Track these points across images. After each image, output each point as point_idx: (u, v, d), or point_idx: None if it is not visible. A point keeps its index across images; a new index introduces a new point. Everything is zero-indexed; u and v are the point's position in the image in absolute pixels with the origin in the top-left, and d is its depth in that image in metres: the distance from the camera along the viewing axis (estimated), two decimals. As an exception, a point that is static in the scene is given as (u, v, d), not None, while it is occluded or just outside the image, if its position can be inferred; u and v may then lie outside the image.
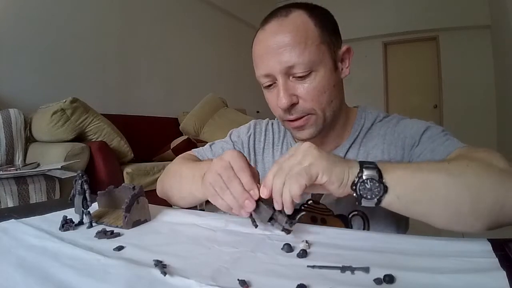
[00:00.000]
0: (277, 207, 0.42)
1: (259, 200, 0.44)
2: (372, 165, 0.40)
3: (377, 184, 0.39)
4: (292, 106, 0.56)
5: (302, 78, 0.54)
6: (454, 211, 0.39)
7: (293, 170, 0.41)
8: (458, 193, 0.39)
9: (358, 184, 0.40)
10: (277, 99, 0.56)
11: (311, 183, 0.40)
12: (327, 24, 0.57)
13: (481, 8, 4.55)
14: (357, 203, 0.40)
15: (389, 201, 0.40)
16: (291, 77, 0.55)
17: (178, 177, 0.64)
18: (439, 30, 4.96)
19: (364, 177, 0.40)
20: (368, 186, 0.39)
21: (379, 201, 0.40)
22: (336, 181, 0.40)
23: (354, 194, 0.40)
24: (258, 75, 0.58)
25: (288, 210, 0.42)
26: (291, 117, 0.57)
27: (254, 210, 0.44)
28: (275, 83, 0.57)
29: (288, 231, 0.44)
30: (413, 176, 0.41)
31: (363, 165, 0.41)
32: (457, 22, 4.77)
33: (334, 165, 0.41)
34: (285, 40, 0.53)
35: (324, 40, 0.55)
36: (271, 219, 0.44)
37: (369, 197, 0.40)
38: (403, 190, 0.40)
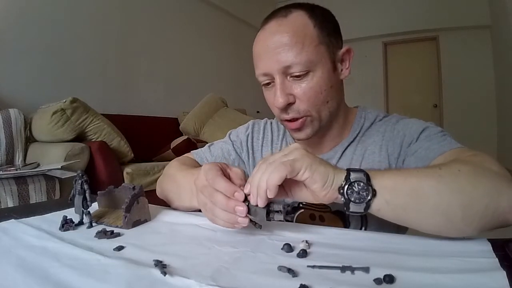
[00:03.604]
0: (252, 201, 0.41)
1: (248, 201, 0.42)
2: (358, 170, 0.40)
3: (365, 187, 0.38)
4: (288, 105, 0.56)
5: (299, 77, 0.55)
6: (444, 219, 0.38)
7: (276, 161, 0.40)
8: (449, 200, 0.38)
9: (346, 187, 0.39)
10: (274, 98, 0.56)
11: (291, 176, 0.39)
12: (327, 25, 0.57)
13: (481, 8, 4.55)
14: (344, 209, 0.39)
15: (378, 206, 0.39)
16: (288, 77, 0.55)
17: (176, 185, 0.63)
18: (439, 30, 4.97)
19: (351, 179, 0.39)
20: (356, 189, 0.38)
21: (368, 205, 0.39)
22: (319, 180, 0.39)
23: (342, 198, 0.39)
24: (257, 74, 0.59)
25: (261, 202, 0.40)
26: (287, 117, 0.58)
27: (250, 213, 0.42)
28: (273, 82, 0.57)
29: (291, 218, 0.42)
30: (404, 182, 0.39)
31: (350, 169, 0.40)
32: (457, 22, 4.77)
33: (318, 164, 0.40)
34: (283, 40, 0.53)
35: (323, 41, 0.55)
36: (268, 214, 0.42)
37: (357, 201, 0.38)
38: (392, 195, 0.39)
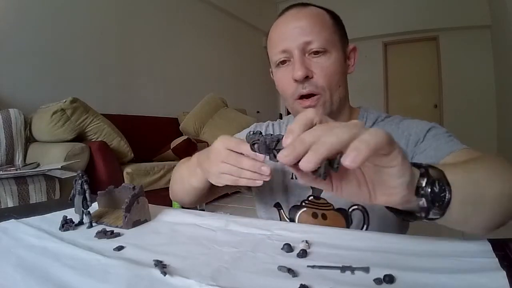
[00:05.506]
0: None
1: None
2: (425, 164, 0.31)
3: (443, 187, 0.30)
4: (306, 79, 0.58)
5: (317, 54, 0.57)
6: (493, 212, 0.36)
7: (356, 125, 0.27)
8: (502, 189, 0.36)
9: (426, 186, 0.30)
10: (292, 72, 0.58)
11: (383, 152, 0.26)
12: (338, 21, 0.62)
13: (481, 8, 4.55)
14: (422, 214, 0.31)
15: (451, 211, 0.31)
16: (307, 54, 0.58)
17: (180, 178, 0.65)
18: (439, 30, 4.96)
19: (432, 176, 0.30)
20: (436, 190, 0.30)
21: (444, 211, 0.31)
22: (407, 171, 0.28)
23: (421, 202, 0.30)
24: (274, 53, 0.61)
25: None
26: (304, 91, 0.58)
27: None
28: (290, 60, 0.59)
29: None
30: (468, 174, 0.35)
31: (421, 164, 0.31)
32: (457, 22, 4.77)
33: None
34: (303, 22, 0.58)
35: (337, 31, 0.60)
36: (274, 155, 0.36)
37: (437, 204, 0.30)
38: (463, 192, 0.32)
